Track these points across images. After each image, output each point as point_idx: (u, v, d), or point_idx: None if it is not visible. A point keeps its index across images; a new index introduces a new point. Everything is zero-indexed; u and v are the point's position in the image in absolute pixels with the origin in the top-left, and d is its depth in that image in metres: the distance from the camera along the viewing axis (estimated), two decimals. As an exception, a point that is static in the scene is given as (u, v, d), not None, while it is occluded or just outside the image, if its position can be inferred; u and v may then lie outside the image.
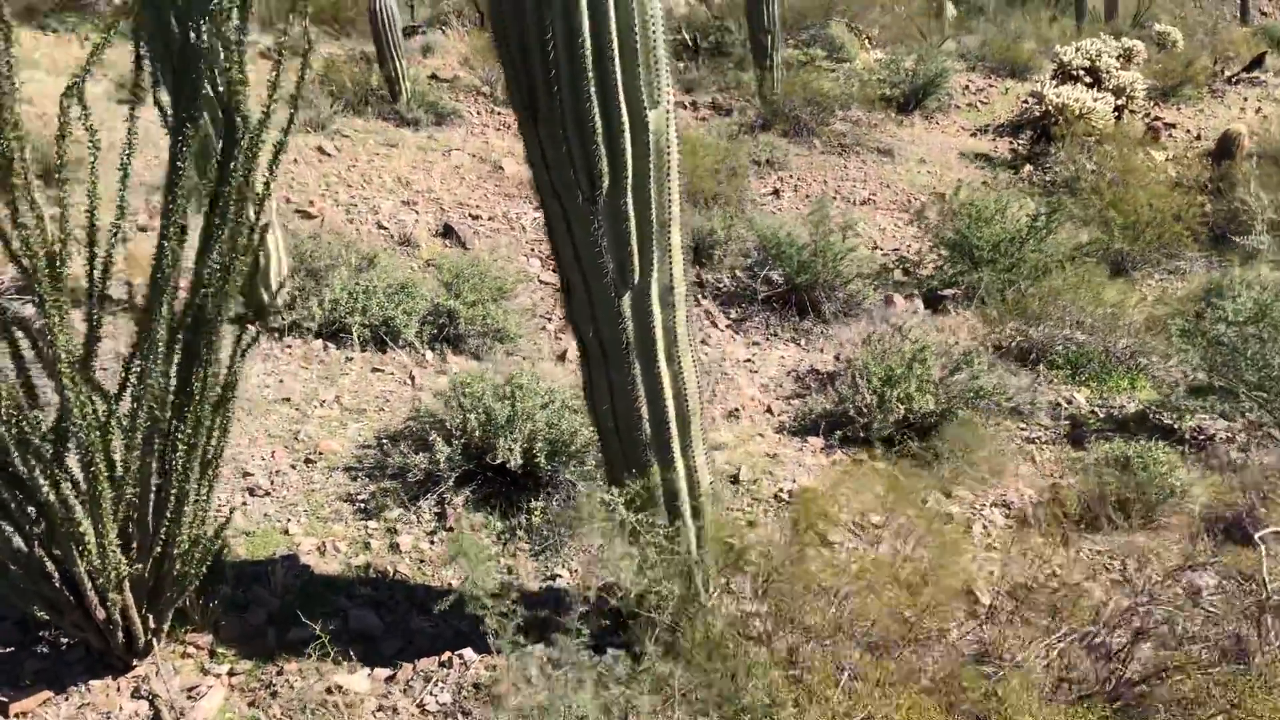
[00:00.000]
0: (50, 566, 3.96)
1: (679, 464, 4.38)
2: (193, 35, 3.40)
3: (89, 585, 3.98)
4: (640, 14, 3.73)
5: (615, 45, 3.72)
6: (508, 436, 5.37)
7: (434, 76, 15.09)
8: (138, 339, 3.78)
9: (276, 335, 7.37)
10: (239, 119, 3.68)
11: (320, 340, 7.35)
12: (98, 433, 3.69)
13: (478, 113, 14.02)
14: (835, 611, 4.00)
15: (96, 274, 3.72)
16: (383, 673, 4.46)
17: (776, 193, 13.25)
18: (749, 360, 8.20)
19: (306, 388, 6.67)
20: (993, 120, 17.67)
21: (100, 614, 4.07)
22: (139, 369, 3.80)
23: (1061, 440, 7.38)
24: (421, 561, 5.12)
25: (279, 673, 4.41)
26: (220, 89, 3.71)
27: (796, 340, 8.88)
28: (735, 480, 6.11)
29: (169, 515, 4.04)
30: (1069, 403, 7.97)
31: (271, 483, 5.57)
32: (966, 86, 19.29)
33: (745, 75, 16.43)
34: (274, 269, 7.51)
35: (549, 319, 8.56)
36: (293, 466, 5.75)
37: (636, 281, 4.05)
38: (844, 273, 9.42)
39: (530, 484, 5.51)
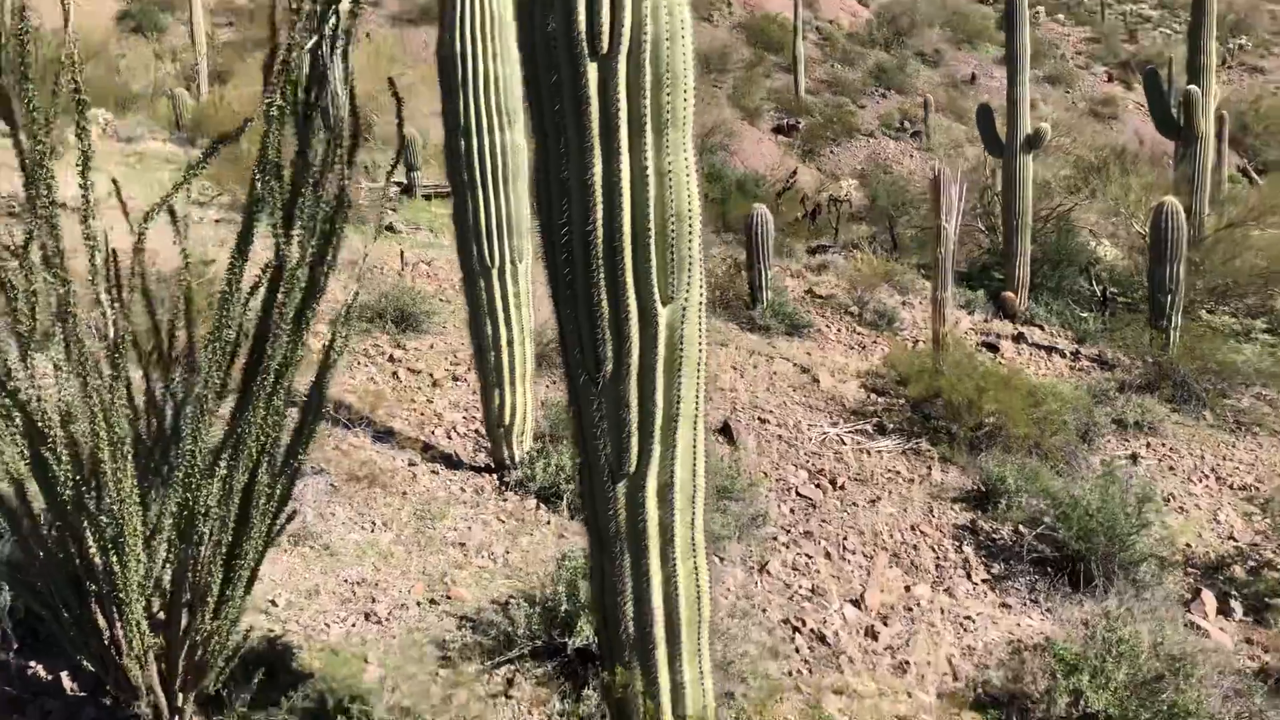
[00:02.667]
0: (103, 623, 4.49)
1: (663, 675, 4.13)
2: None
3: (127, 650, 4.45)
4: (660, 213, 3.78)
5: (626, 239, 3.79)
6: (586, 617, 5.31)
7: (810, 291, 15.49)
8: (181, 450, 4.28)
9: (501, 489, 7.83)
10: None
11: (535, 500, 7.70)
12: (133, 515, 4.20)
13: (836, 330, 14.16)
14: None
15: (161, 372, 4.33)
16: (363, 814, 4.51)
17: (1135, 458, 12.03)
18: (970, 618, 7.45)
19: (487, 538, 7.00)
20: None
21: (134, 679, 4.52)
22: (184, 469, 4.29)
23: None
24: (463, 721, 5.14)
25: (283, 785, 4.60)
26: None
27: (1055, 613, 7.94)
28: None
29: (199, 607, 4.45)
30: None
31: (389, 614, 5.88)
32: None
33: (1146, 335, 15.29)
34: (516, 428, 8.03)
35: (786, 530, 8.33)
36: (418, 604, 6.03)
37: (632, 470, 3.97)
38: (1137, 550, 8.37)
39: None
